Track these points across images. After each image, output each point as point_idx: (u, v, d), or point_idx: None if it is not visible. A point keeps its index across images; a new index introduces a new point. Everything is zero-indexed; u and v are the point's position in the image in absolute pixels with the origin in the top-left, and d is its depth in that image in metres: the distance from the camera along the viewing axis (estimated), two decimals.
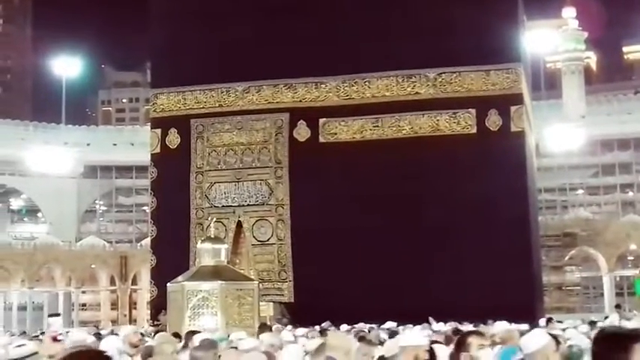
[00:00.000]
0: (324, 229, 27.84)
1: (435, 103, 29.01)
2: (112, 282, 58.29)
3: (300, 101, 30.34)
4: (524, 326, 13.83)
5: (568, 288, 54.38)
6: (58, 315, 13.01)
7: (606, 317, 20.41)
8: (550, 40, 71.30)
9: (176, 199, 30.42)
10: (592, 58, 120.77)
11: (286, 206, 29.48)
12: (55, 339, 9.58)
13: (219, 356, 7.83)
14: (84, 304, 61.38)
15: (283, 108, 30.37)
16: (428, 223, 27.55)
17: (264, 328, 15.86)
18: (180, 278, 20.42)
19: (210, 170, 30.63)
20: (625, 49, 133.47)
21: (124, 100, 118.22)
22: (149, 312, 33.84)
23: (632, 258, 57.91)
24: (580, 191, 67.39)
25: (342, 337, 8.32)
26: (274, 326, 13.84)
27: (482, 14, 28.05)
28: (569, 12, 76.70)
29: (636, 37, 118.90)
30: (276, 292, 28.55)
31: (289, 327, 14.73)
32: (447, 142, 28.45)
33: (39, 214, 69.02)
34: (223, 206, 30.04)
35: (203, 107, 31.26)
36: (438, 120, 28.98)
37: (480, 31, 27.88)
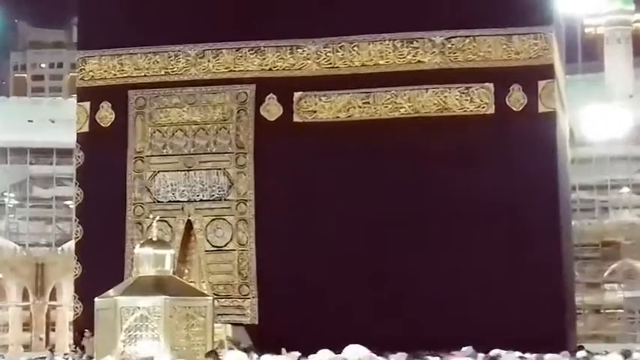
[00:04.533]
0: (298, 232, 28.03)
1: (443, 75, 28.99)
2: (25, 296, 57.96)
3: (270, 70, 30.27)
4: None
5: (608, 311, 54.70)
6: None
7: None
8: None
9: (108, 192, 30.31)
10: None
11: (250, 202, 29.41)
12: None
13: None
14: None
15: (248, 78, 30.28)
16: (431, 228, 27.75)
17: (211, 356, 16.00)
18: (111, 292, 20.49)
19: (153, 156, 30.53)
20: None
21: (43, 65, 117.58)
22: (71, 334, 33.61)
23: None
24: (624, 189, 67.69)
25: None
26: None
27: None
28: None
29: None
30: (235, 312, 28.56)
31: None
32: (456, 124, 28.48)
33: None
34: (169, 201, 30.01)
35: (145, 75, 31.18)
36: (445, 96, 28.98)
37: None
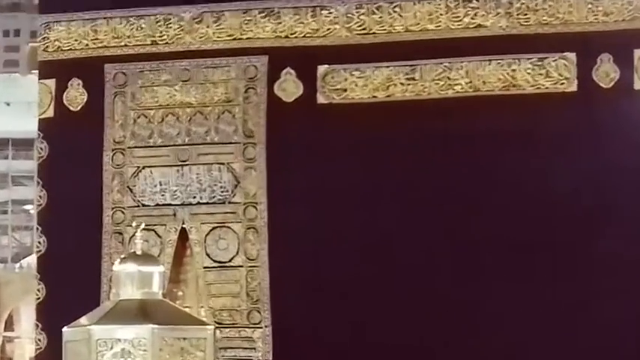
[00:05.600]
0: (322, 243, 27.31)
1: (510, 42, 27.98)
2: None
3: (287, 37, 29.27)
4: None
5: None
6: None
7: None
8: None
9: (79, 194, 29.51)
10: None
11: (261, 206, 28.45)
12: None
13: None
14: None
15: (259, 48, 29.31)
16: (493, 234, 26.73)
17: None
18: (84, 320, 20.53)
19: (136, 147, 29.69)
20: None
21: None
22: None
23: None
24: None
25: None
26: None
27: None
28: None
29: None
30: (243, 344, 27.81)
31: None
32: (527, 105, 27.45)
33: None
34: (158, 205, 29.15)
35: (126, 45, 30.20)
36: (514, 70, 27.87)
37: None
